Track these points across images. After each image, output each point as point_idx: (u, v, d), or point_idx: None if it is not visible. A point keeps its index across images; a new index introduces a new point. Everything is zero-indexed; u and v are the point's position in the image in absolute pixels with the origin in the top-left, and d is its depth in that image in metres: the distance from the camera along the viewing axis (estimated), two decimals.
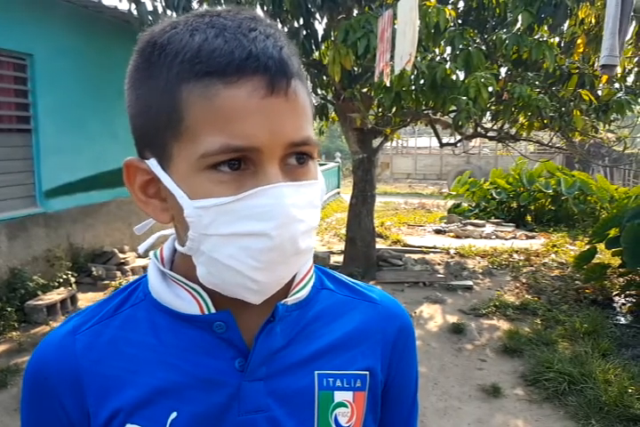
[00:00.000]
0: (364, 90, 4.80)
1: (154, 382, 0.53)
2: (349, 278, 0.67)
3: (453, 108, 4.43)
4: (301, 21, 4.55)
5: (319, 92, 5.47)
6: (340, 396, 0.57)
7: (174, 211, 0.51)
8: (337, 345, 0.59)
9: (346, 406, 0.57)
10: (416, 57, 3.45)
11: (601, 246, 5.19)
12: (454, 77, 4.14)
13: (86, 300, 4.59)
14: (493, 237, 7.53)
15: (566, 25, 4.66)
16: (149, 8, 4.39)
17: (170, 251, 0.59)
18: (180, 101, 0.47)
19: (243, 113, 0.46)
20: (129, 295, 0.58)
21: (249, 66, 0.46)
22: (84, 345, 0.55)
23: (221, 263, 0.49)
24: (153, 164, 0.51)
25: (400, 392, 0.65)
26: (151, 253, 0.59)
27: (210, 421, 0.53)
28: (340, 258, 5.77)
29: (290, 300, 0.56)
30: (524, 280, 5.38)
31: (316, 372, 0.56)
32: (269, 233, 0.47)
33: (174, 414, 0.52)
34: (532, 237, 7.57)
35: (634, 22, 4.25)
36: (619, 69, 4.52)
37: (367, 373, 0.59)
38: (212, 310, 0.53)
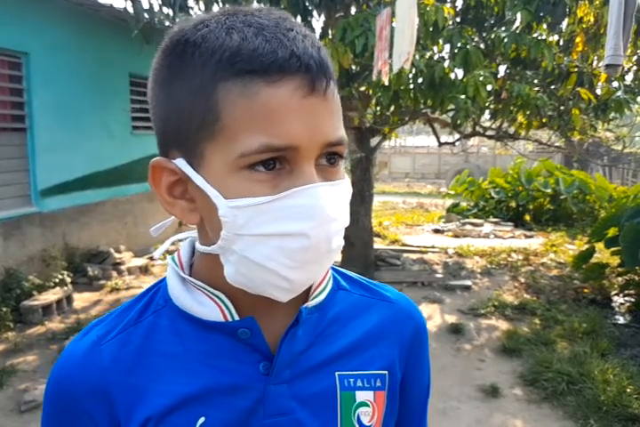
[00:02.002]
0: (362, 88, 4.78)
1: (181, 389, 0.53)
2: (363, 277, 0.67)
3: (452, 106, 4.42)
4: (299, 19, 4.52)
5: None
6: (361, 396, 0.58)
7: (204, 211, 0.51)
8: (356, 346, 0.59)
9: (367, 406, 0.58)
10: (414, 55, 3.43)
11: (600, 246, 5.18)
12: (453, 76, 4.12)
13: (82, 300, 4.57)
14: (492, 236, 7.51)
15: (565, 23, 4.65)
16: (145, 6, 4.36)
17: (187, 255, 0.59)
18: (216, 101, 0.47)
19: (283, 112, 0.46)
20: (149, 302, 0.58)
21: (292, 65, 0.46)
22: (111, 356, 0.54)
23: (254, 263, 0.49)
24: (182, 164, 0.50)
25: (415, 391, 0.67)
26: (169, 259, 0.58)
27: (237, 424, 0.53)
28: (338, 258, 5.76)
29: (311, 303, 0.56)
30: (522, 280, 5.36)
31: (337, 373, 0.57)
32: (307, 233, 0.47)
33: (202, 420, 0.53)
34: (531, 237, 7.56)
35: (633, 23, 4.24)
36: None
37: (386, 372, 0.60)
38: (236, 317, 0.53)
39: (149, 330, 0.55)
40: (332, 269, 0.63)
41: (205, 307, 0.54)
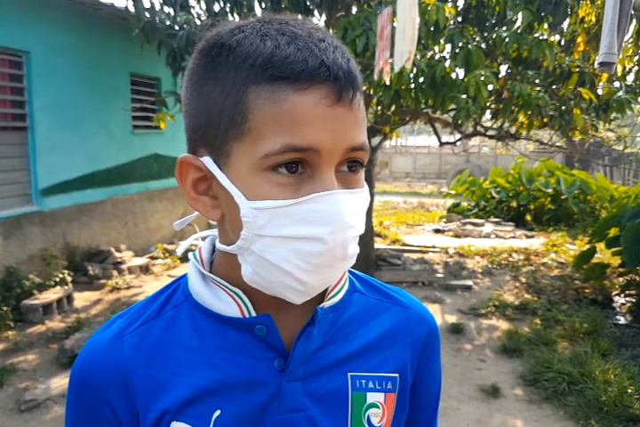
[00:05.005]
0: (363, 88, 4.78)
1: (199, 382, 0.55)
2: (378, 281, 0.69)
3: (453, 106, 4.41)
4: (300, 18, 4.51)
5: None
6: (372, 397, 0.59)
7: (226, 209, 0.53)
8: (369, 348, 0.61)
9: (378, 407, 0.60)
10: (415, 55, 3.42)
11: (601, 246, 5.18)
12: (454, 76, 4.11)
13: (82, 299, 4.57)
14: (493, 236, 7.51)
15: (566, 23, 4.64)
16: (146, 5, 4.36)
17: (208, 253, 0.60)
18: (246, 103, 0.49)
19: (308, 119, 0.48)
20: (169, 297, 0.60)
21: (321, 75, 0.48)
22: (132, 347, 0.56)
23: (271, 264, 0.50)
24: (208, 162, 0.52)
25: (426, 394, 0.68)
26: (190, 255, 0.61)
27: (252, 419, 0.55)
28: None
29: (327, 303, 0.58)
30: (523, 280, 5.36)
31: (350, 374, 0.59)
32: (324, 238, 0.49)
33: (218, 412, 0.54)
34: (532, 237, 7.55)
35: (634, 21, 4.22)
36: (619, 68, 4.49)
37: (397, 375, 0.62)
38: (253, 314, 0.55)
39: (169, 324, 0.57)
40: (349, 271, 0.65)
41: (224, 303, 0.55)
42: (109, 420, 0.55)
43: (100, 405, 0.55)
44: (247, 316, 0.55)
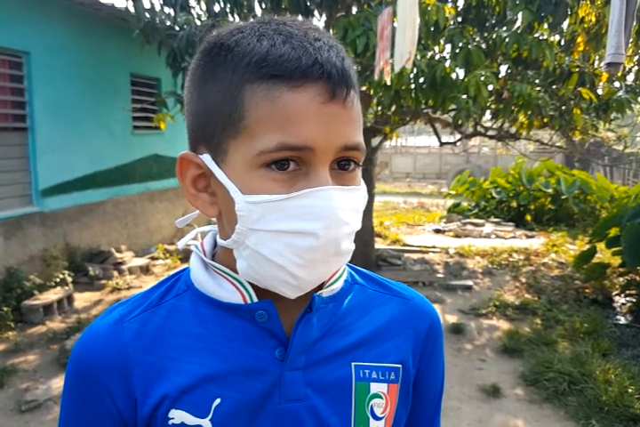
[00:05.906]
0: (363, 88, 4.77)
1: (199, 369, 0.55)
2: (378, 275, 0.69)
3: (453, 106, 4.41)
4: (299, 19, 4.51)
5: None
6: (375, 387, 0.59)
7: (223, 205, 0.54)
8: (371, 338, 0.61)
9: (381, 398, 0.60)
10: (415, 55, 3.42)
11: (601, 246, 5.18)
12: (454, 76, 4.12)
13: (83, 300, 4.57)
14: (493, 236, 7.51)
15: (566, 23, 4.64)
16: (146, 5, 4.36)
17: (210, 246, 0.61)
18: (242, 101, 0.50)
19: (302, 116, 0.48)
20: (171, 286, 0.60)
21: (314, 72, 0.49)
22: (132, 333, 0.56)
23: (265, 258, 0.51)
24: (207, 159, 0.53)
25: (429, 387, 0.67)
26: (193, 247, 0.61)
27: (252, 407, 0.55)
28: None
29: (325, 292, 0.58)
30: (523, 280, 5.36)
31: (353, 363, 0.59)
32: (317, 233, 0.49)
33: (218, 400, 0.54)
34: (532, 237, 7.55)
35: (634, 21, 4.23)
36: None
37: (400, 366, 0.62)
38: (255, 300, 0.55)
39: (171, 311, 0.57)
40: (348, 266, 0.65)
41: (226, 290, 0.56)
42: (109, 408, 0.55)
43: (99, 392, 0.55)
44: (249, 302, 0.55)
